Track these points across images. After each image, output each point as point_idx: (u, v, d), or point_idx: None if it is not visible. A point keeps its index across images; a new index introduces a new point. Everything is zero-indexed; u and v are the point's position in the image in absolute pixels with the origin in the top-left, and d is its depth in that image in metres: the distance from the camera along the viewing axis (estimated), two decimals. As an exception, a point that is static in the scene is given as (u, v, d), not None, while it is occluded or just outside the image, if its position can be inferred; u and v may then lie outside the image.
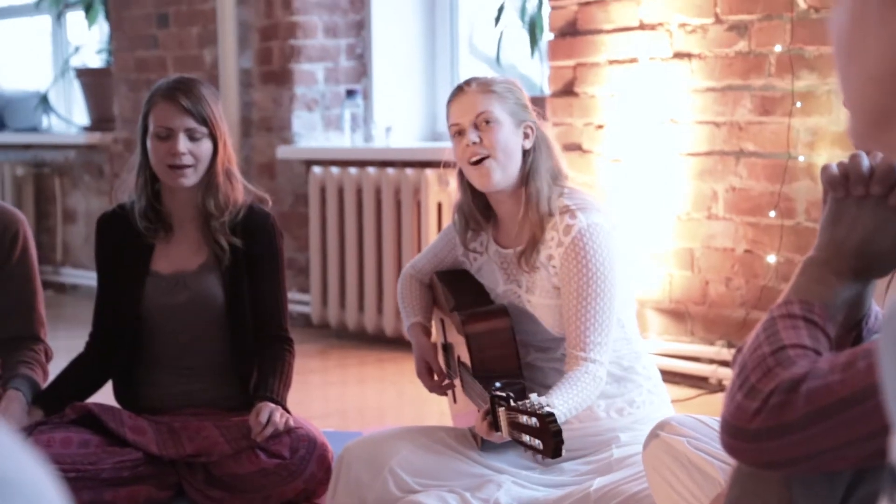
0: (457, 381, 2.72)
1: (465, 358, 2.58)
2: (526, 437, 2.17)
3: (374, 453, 2.54)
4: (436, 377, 2.74)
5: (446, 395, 2.77)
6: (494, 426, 2.29)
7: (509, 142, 2.53)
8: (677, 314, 4.17)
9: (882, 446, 1.17)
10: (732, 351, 3.86)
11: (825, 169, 1.46)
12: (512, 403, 2.23)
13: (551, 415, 2.13)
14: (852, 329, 1.52)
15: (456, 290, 2.70)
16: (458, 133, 2.55)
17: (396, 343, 4.92)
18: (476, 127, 2.52)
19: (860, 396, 1.23)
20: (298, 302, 5.29)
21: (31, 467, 0.64)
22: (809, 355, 1.33)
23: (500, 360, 2.51)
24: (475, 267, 2.71)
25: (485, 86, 2.55)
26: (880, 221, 1.41)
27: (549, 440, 2.12)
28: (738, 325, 3.99)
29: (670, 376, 3.55)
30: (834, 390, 1.25)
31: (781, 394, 1.28)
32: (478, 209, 2.63)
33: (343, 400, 4.28)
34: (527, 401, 2.20)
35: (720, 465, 2.06)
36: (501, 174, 2.52)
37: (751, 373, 1.34)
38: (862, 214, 1.42)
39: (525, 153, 2.55)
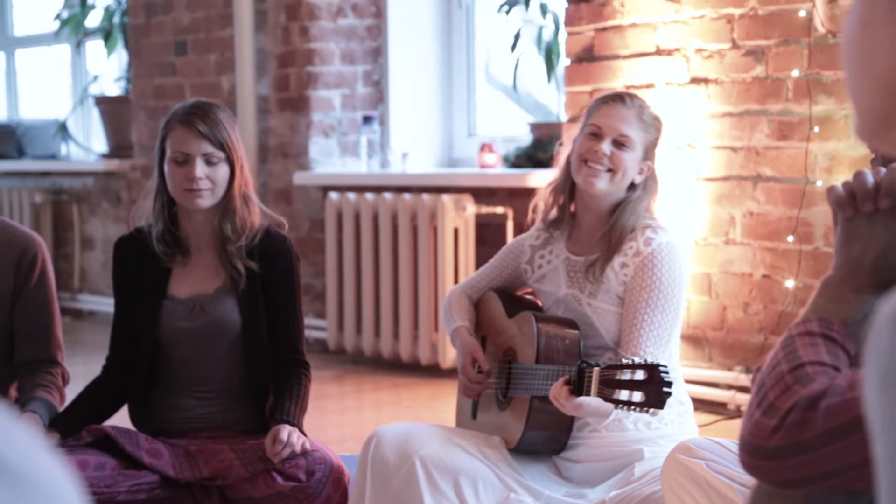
0: (483, 398, 2.72)
1: (526, 356, 2.59)
2: (623, 394, 2.19)
3: (405, 440, 2.56)
4: (479, 372, 2.74)
5: (476, 398, 2.77)
6: (577, 391, 2.29)
7: (630, 169, 2.61)
8: (695, 340, 4.15)
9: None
10: (750, 377, 3.84)
11: (831, 190, 1.46)
12: (607, 364, 2.26)
13: (664, 365, 2.17)
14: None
15: (511, 302, 2.76)
16: (595, 135, 2.60)
17: (412, 368, 4.91)
18: (614, 141, 2.59)
19: (880, 413, 1.22)
20: (315, 328, 5.29)
21: (53, 468, 0.64)
22: (828, 372, 1.32)
23: (564, 363, 2.52)
24: (538, 274, 2.74)
25: (640, 110, 2.64)
26: (894, 234, 1.40)
27: (656, 389, 2.15)
28: (757, 350, 3.97)
29: (688, 402, 3.53)
30: (853, 407, 1.24)
31: (800, 411, 1.27)
32: (567, 201, 2.69)
33: (359, 425, 4.27)
34: (626, 360, 2.25)
35: (739, 489, 2.05)
36: (606, 188, 2.60)
37: (769, 390, 1.33)
38: (874, 229, 1.42)
39: (632, 185, 2.62)
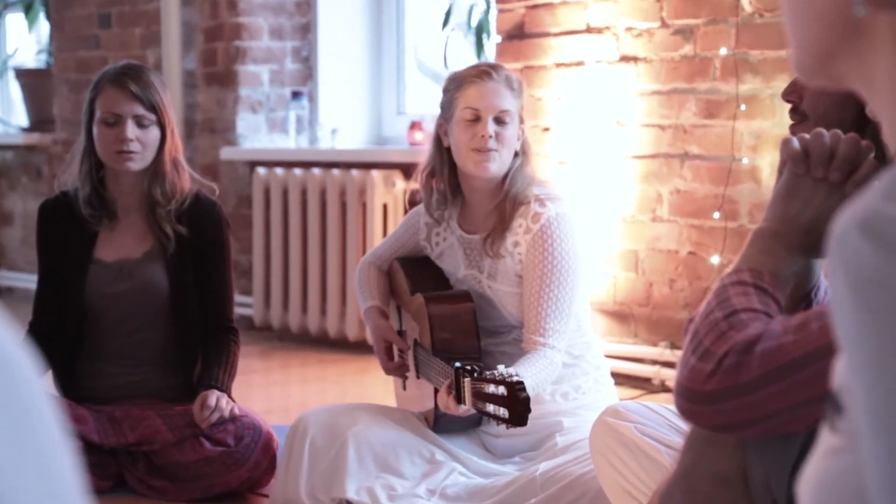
0: (409, 371, 2.72)
1: (425, 339, 2.58)
2: (490, 407, 2.19)
3: (333, 422, 2.55)
4: (396, 354, 2.73)
5: (403, 377, 2.77)
6: (458, 399, 2.29)
7: (514, 140, 2.59)
8: (621, 316, 4.19)
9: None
10: (676, 353, 3.89)
11: (787, 143, 1.47)
12: (477, 374, 2.25)
13: (521, 383, 2.16)
14: (801, 301, 1.54)
15: (415, 274, 2.73)
16: (474, 118, 2.56)
17: (339, 345, 4.90)
18: (495, 119, 2.56)
19: (813, 357, 1.24)
20: (241, 304, 5.24)
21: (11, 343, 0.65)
22: (762, 318, 1.34)
23: (461, 342, 2.53)
24: (436, 252, 2.73)
25: (509, 81, 2.59)
26: (834, 204, 1.43)
27: (516, 407, 2.14)
28: (682, 326, 4.01)
29: (613, 377, 3.56)
30: (788, 351, 1.26)
31: (736, 355, 1.29)
32: (449, 186, 2.65)
33: (285, 398, 4.25)
34: (494, 371, 2.23)
35: (667, 451, 2.07)
36: (499, 168, 2.58)
37: (704, 337, 1.35)
38: (817, 194, 1.44)
39: (514, 153, 2.60)
